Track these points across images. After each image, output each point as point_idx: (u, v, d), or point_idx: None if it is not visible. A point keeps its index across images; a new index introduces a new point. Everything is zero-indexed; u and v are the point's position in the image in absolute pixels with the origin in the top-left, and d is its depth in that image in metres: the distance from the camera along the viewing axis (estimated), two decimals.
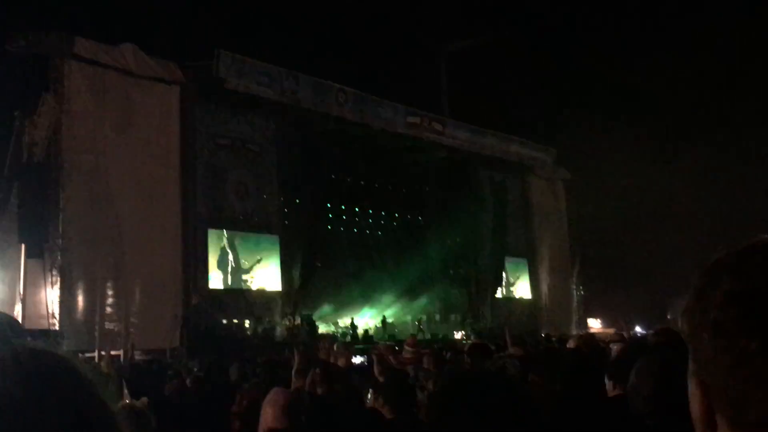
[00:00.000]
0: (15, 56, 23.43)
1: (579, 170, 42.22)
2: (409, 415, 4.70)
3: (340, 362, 6.95)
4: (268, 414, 3.64)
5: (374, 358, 6.78)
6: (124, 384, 6.76)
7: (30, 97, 23.54)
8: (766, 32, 32.72)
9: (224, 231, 27.70)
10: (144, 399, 5.89)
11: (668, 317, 40.30)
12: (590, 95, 39.09)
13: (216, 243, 27.43)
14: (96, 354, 21.95)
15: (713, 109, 38.16)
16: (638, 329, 33.85)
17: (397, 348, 12.49)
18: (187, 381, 7.84)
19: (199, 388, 6.98)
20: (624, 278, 40.83)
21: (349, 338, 28.98)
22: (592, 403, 4.31)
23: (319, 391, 4.22)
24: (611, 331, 26.07)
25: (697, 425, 1.06)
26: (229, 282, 27.87)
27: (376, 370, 6.28)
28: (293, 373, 5.23)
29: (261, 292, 28.57)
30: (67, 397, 1.15)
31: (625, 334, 13.91)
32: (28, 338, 2.96)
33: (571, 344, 9.50)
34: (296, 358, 6.07)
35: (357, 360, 7.34)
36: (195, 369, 10.65)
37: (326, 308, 34.69)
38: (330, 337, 25.63)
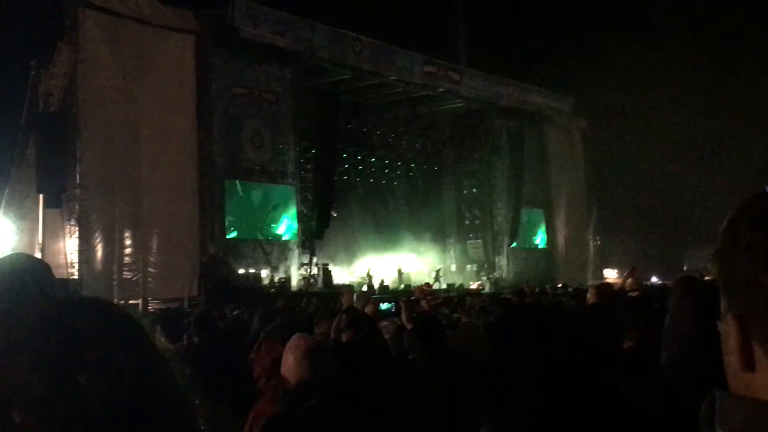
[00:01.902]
0: (29, 5, 23.36)
1: (596, 119, 41.88)
2: (440, 360, 4.70)
3: (368, 310, 6.93)
4: (289, 360, 3.63)
5: (401, 304, 6.76)
6: (159, 329, 6.82)
7: (45, 47, 23.50)
8: None
9: (241, 181, 27.66)
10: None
11: (684, 268, 40.35)
12: (608, 43, 38.59)
13: (232, 193, 27.42)
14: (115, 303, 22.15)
15: (735, 54, 37.60)
16: (654, 279, 33.84)
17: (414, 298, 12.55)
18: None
19: (221, 336, 7.00)
20: (640, 229, 40.75)
21: (365, 288, 29.11)
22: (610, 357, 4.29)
23: (344, 337, 4.20)
24: (628, 281, 25.99)
25: (734, 362, 1.04)
26: (246, 231, 27.92)
27: (404, 317, 6.27)
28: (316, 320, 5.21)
29: (277, 242, 28.63)
30: (130, 341, 1.18)
31: (625, 284, 13.81)
32: (53, 283, 2.94)
33: (590, 298, 9.48)
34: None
35: (383, 306, 7.31)
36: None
37: (342, 257, 34.88)
38: (348, 288, 25.83)
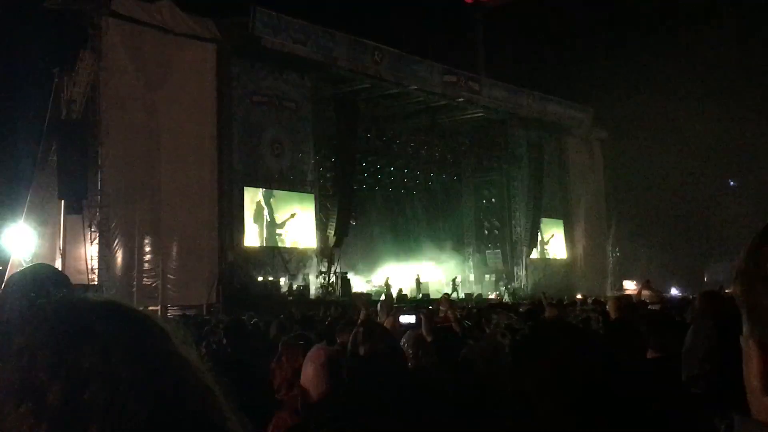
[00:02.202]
0: (53, 14, 23.53)
1: (616, 130, 41.74)
2: (459, 373, 4.69)
3: (387, 323, 6.92)
4: (309, 371, 3.64)
5: (422, 317, 6.75)
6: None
7: (68, 55, 23.75)
8: None
9: (260, 189, 27.73)
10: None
11: (705, 280, 40.07)
12: (628, 54, 38.51)
13: (252, 200, 27.49)
14: None
15: (759, 60, 37.37)
16: (674, 291, 33.64)
17: (431, 307, 12.54)
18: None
19: (239, 343, 7.01)
20: (660, 240, 40.52)
21: (383, 297, 29.08)
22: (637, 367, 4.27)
23: (362, 350, 4.20)
24: (648, 293, 25.85)
25: (755, 386, 1.03)
26: (265, 239, 27.98)
27: (424, 329, 6.26)
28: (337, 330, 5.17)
29: (296, 250, 28.67)
30: (149, 342, 1.19)
31: (652, 293, 13.83)
32: (73, 292, 2.96)
33: (611, 311, 9.42)
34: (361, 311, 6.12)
35: (404, 319, 7.27)
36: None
37: (360, 266, 34.89)
38: (361, 297, 25.83)
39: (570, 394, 1.86)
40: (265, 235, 28.04)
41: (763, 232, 1.05)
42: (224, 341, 7.09)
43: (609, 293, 30.58)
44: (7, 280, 2.87)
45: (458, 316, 8.43)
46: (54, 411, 1.06)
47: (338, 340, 5.47)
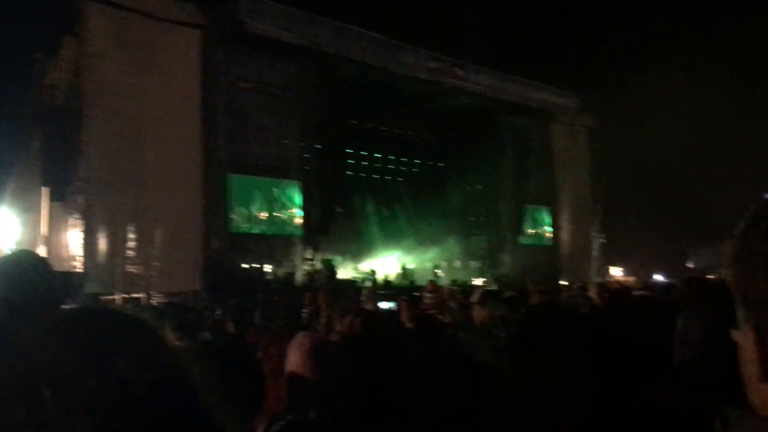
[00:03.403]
0: None
1: (602, 117, 41.81)
2: (438, 360, 4.68)
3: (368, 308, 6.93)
4: (293, 358, 3.63)
5: (401, 304, 6.75)
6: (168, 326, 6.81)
7: (50, 40, 23.49)
8: None
9: (245, 176, 27.66)
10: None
11: (688, 265, 40.32)
12: (614, 40, 38.55)
13: (236, 187, 27.41)
14: (118, 296, 22.26)
15: (742, 52, 37.53)
16: (657, 277, 33.82)
17: (417, 294, 12.51)
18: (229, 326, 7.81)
19: (224, 331, 7.01)
20: (646, 226, 40.69)
21: (369, 284, 29.10)
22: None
23: (354, 336, 4.19)
24: (632, 279, 26.02)
25: (752, 372, 1.02)
26: (250, 226, 27.93)
27: (404, 317, 6.26)
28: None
29: (281, 237, 28.63)
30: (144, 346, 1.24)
31: (640, 280, 13.96)
32: (56, 278, 2.95)
33: (593, 297, 9.45)
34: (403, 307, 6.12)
35: (384, 306, 7.32)
36: (218, 312, 10.69)
37: (346, 253, 34.88)
38: (353, 284, 25.83)
39: (577, 382, 1.85)
40: (250, 224, 27.98)
41: (754, 214, 1.04)
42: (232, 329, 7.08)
43: (594, 279, 30.69)
44: None
45: (461, 303, 8.41)
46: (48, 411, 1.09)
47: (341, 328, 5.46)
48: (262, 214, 28.14)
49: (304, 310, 9.98)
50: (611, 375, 1.90)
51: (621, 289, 10.59)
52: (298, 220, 29.12)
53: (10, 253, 3.12)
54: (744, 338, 1.03)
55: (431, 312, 8.08)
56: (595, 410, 1.84)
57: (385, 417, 3.07)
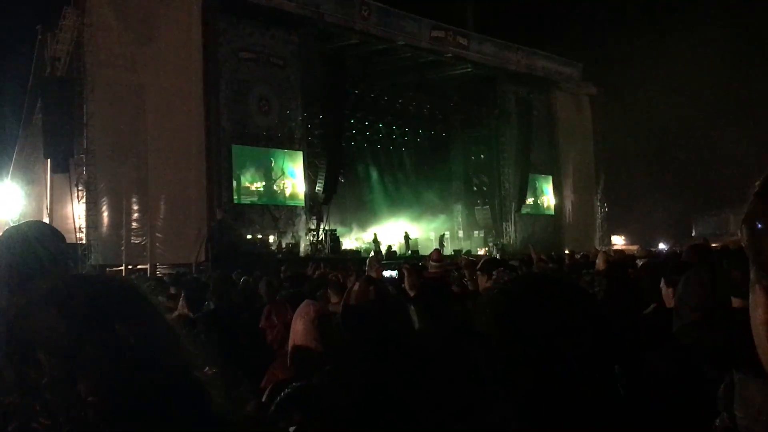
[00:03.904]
0: None
1: (605, 85, 41.65)
2: (449, 331, 4.68)
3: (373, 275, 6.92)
4: (298, 326, 3.65)
5: (405, 271, 6.73)
6: (183, 295, 6.83)
7: (51, 11, 23.39)
8: None
9: (248, 147, 27.60)
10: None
11: (693, 234, 40.29)
12: (617, 8, 38.29)
13: (240, 158, 27.37)
14: (122, 268, 22.33)
15: (742, 15, 37.26)
16: (661, 245, 33.81)
17: (421, 264, 12.52)
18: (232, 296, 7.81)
19: (235, 302, 7.03)
20: (648, 195, 40.68)
21: (372, 254, 29.15)
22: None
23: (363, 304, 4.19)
24: (635, 248, 25.99)
25: (762, 333, 1.01)
26: (254, 197, 27.92)
27: (407, 284, 6.26)
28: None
29: (285, 207, 28.63)
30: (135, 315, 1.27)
31: (634, 251, 13.97)
32: (61, 249, 2.96)
33: (600, 264, 9.45)
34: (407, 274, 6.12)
35: (387, 274, 7.33)
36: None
37: (350, 223, 34.93)
38: (374, 257, 25.85)
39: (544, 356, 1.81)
40: (254, 195, 27.97)
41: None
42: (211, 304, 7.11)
43: (598, 248, 30.71)
44: None
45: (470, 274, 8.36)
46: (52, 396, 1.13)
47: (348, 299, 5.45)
48: (265, 184, 28.10)
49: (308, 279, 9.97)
50: (599, 345, 1.85)
51: (625, 257, 10.58)
52: (302, 191, 29.09)
53: (19, 224, 3.09)
54: (755, 298, 1.02)
55: (436, 281, 8.09)
56: (583, 379, 1.80)
57: (387, 386, 3.08)
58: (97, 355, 1.16)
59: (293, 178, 28.82)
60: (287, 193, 28.73)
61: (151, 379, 1.19)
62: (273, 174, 28.29)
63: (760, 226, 1.02)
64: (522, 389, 1.80)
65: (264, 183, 28.04)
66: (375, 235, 33.09)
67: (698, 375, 3.08)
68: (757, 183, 1.04)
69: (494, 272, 6.66)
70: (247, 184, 27.70)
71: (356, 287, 3.21)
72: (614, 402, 1.76)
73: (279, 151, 28.49)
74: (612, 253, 13.04)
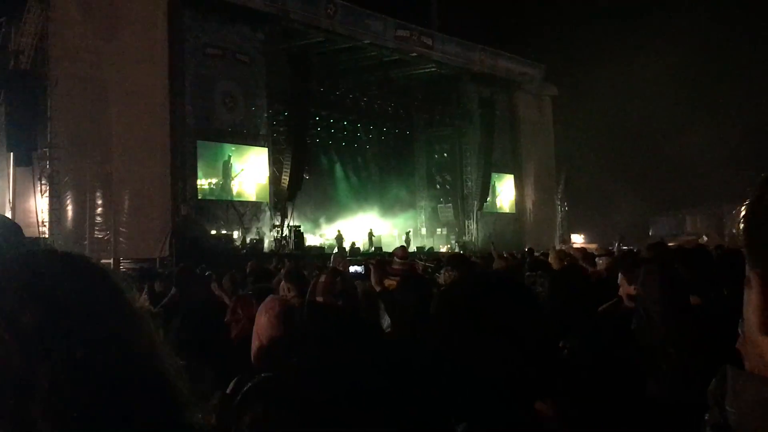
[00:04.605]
0: None
1: (567, 86, 42.03)
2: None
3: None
4: (262, 321, 3.65)
5: (371, 268, 6.76)
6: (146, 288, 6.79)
7: (15, 4, 23.07)
8: None
9: (212, 142, 27.47)
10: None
11: (650, 233, 40.80)
12: (580, 11, 38.63)
13: (204, 154, 27.22)
14: None
15: (700, 22, 37.77)
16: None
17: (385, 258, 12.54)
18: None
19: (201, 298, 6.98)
20: (608, 195, 41.12)
21: (336, 250, 29.11)
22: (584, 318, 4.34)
23: (323, 299, 4.22)
24: (594, 246, 26.26)
25: (753, 325, 1.01)
26: (218, 193, 27.78)
27: (373, 279, 6.28)
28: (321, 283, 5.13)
29: (249, 203, 28.52)
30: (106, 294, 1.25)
31: (616, 250, 14.06)
32: (23, 244, 2.93)
33: (552, 262, 9.53)
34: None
35: (353, 269, 7.32)
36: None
37: (314, 220, 34.87)
38: (339, 254, 25.82)
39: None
40: (217, 190, 27.84)
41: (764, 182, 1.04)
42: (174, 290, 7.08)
43: (558, 246, 30.94)
44: None
45: (426, 267, 8.44)
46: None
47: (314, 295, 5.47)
48: (229, 180, 27.98)
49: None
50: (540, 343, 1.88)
51: (585, 255, 10.67)
52: (266, 187, 29.01)
53: None
54: (749, 290, 1.02)
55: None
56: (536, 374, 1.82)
57: (346, 377, 3.10)
58: (38, 325, 1.13)
59: (257, 174, 28.73)
60: (251, 188, 28.62)
61: (107, 361, 1.15)
62: (238, 170, 28.17)
63: (754, 217, 1.02)
64: (466, 372, 1.83)
65: (230, 179, 27.93)
66: (339, 231, 33.07)
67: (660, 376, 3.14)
68: (761, 177, 1.04)
69: (445, 269, 6.75)
70: (220, 180, 27.65)
71: (322, 279, 3.23)
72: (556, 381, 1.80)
73: (244, 147, 28.39)
74: (569, 251, 13.14)
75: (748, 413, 0.96)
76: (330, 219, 36.14)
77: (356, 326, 3.23)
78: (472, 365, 1.82)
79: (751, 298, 1.01)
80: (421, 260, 15.65)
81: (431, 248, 34.28)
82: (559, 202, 43.21)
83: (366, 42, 32.14)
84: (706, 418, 1.02)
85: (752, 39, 36.83)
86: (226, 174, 27.86)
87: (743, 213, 1.02)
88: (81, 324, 1.16)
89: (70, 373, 1.11)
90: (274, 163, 29.48)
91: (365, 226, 35.41)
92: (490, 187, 39.48)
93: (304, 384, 2.90)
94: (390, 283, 7.74)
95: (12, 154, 23.66)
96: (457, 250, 33.28)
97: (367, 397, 2.73)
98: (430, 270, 10.18)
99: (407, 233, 35.88)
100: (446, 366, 1.89)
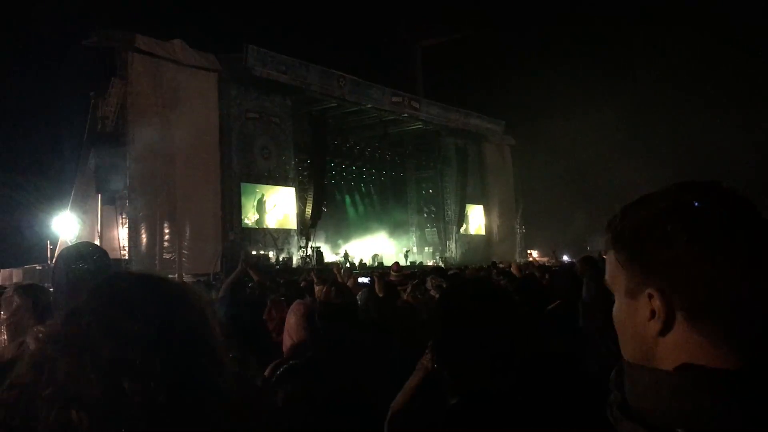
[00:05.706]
0: (91, 50, 23.11)
1: (522, 137, 42.25)
2: (399, 318, 4.70)
3: (349, 283, 6.90)
4: (291, 321, 3.63)
5: (375, 278, 6.73)
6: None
7: (102, 81, 23.18)
8: None
9: (253, 184, 27.54)
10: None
11: (587, 248, 40.65)
12: (533, 82, 38.82)
13: (247, 192, 27.28)
14: None
15: (638, 86, 37.90)
16: (565, 257, 34.03)
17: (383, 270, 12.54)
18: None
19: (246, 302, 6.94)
20: (555, 220, 41.12)
21: (347, 266, 29.01)
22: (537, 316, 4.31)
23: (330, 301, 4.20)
24: (545, 259, 26.20)
25: (650, 328, 0.98)
26: (258, 222, 27.79)
27: (377, 288, 6.25)
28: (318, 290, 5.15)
29: (281, 230, 28.51)
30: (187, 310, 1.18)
31: (554, 260, 14.04)
32: (108, 263, 2.90)
33: (514, 271, 9.51)
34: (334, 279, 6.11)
35: (362, 280, 7.31)
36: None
37: (331, 242, 34.84)
38: (336, 265, 25.69)
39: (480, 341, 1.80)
40: (258, 220, 27.84)
41: (653, 199, 1.05)
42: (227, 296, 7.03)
43: (518, 259, 30.89)
44: (58, 254, 2.83)
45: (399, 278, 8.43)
46: (105, 365, 1.02)
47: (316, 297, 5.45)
48: (266, 213, 28.01)
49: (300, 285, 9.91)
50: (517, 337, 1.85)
51: (540, 266, 10.65)
52: (294, 217, 29.04)
53: (72, 244, 3.05)
54: (637, 304, 1.00)
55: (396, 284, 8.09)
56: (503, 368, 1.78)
57: (349, 362, 3.09)
58: (140, 331, 1.06)
59: (287, 208, 28.74)
60: (283, 219, 28.62)
61: (189, 353, 1.09)
62: (273, 205, 28.19)
63: (642, 246, 1.00)
64: (456, 359, 1.81)
65: (267, 212, 27.95)
66: (345, 251, 33.13)
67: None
68: (640, 213, 1.02)
69: (430, 277, 6.77)
70: (259, 212, 27.65)
71: (324, 289, 3.24)
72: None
73: (277, 188, 28.43)
74: (527, 262, 13.11)
75: (642, 394, 0.95)
76: (343, 241, 36.11)
77: (351, 323, 3.23)
78: (468, 343, 1.80)
79: (641, 312, 0.99)
80: (415, 272, 15.61)
81: (420, 263, 34.21)
82: (517, 226, 43.26)
83: (368, 106, 32.25)
84: (611, 399, 1.01)
85: (681, 98, 36.91)
86: (260, 210, 27.87)
87: (624, 243, 1.01)
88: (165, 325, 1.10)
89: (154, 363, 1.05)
90: (300, 199, 29.53)
91: (370, 246, 35.36)
92: (465, 215, 39.52)
93: (315, 373, 2.90)
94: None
95: (100, 195, 23.69)
96: (440, 263, 33.18)
97: (363, 384, 2.72)
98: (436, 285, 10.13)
99: (405, 252, 35.79)
100: (447, 344, 1.87)
